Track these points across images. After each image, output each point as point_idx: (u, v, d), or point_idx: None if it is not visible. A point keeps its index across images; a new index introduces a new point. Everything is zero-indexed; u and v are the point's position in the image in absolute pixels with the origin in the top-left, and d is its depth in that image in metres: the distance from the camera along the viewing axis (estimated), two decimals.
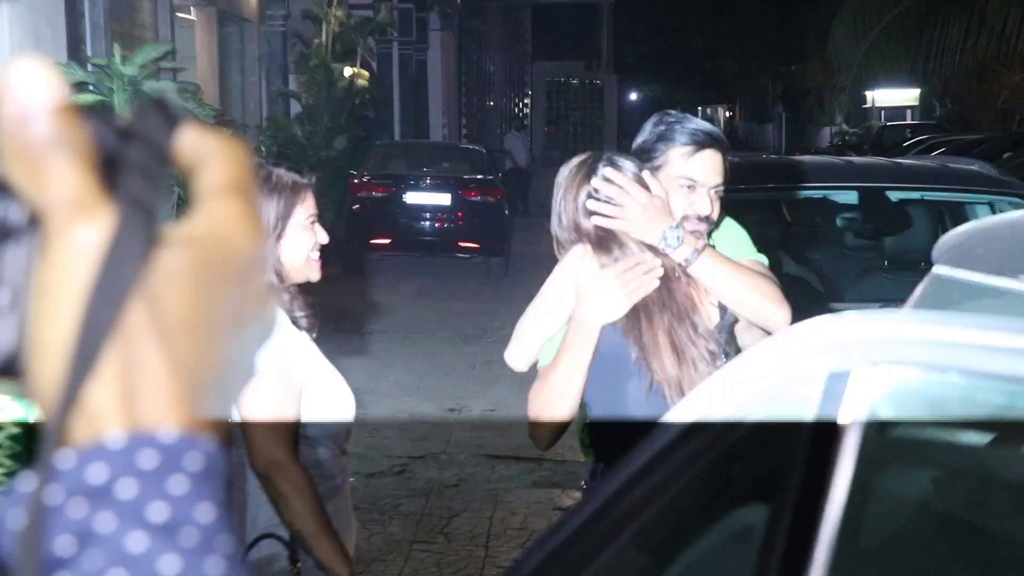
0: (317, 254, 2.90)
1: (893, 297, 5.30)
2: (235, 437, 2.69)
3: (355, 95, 18.64)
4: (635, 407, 2.74)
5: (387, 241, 14.55)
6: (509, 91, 31.36)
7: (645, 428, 2.70)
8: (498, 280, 14.42)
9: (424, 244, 14.85)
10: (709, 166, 2.88)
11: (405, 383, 9.13)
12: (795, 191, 6.06)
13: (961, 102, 21.50)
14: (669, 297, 2.76)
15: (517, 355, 2.92)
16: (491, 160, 16.71)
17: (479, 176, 15.31)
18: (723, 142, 2.95)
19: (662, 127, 2.94)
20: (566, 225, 2.88)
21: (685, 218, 2.84)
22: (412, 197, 14.80)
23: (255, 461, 2.67)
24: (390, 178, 14.90)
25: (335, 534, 2.68)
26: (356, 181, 14.96)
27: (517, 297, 14.68)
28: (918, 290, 2.73)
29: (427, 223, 14.73)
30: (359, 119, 18.06)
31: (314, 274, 2.89)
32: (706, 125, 2.97)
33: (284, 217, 2.82)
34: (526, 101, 31.42)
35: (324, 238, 2.90)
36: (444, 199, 14.73)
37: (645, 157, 2.93)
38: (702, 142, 2.88)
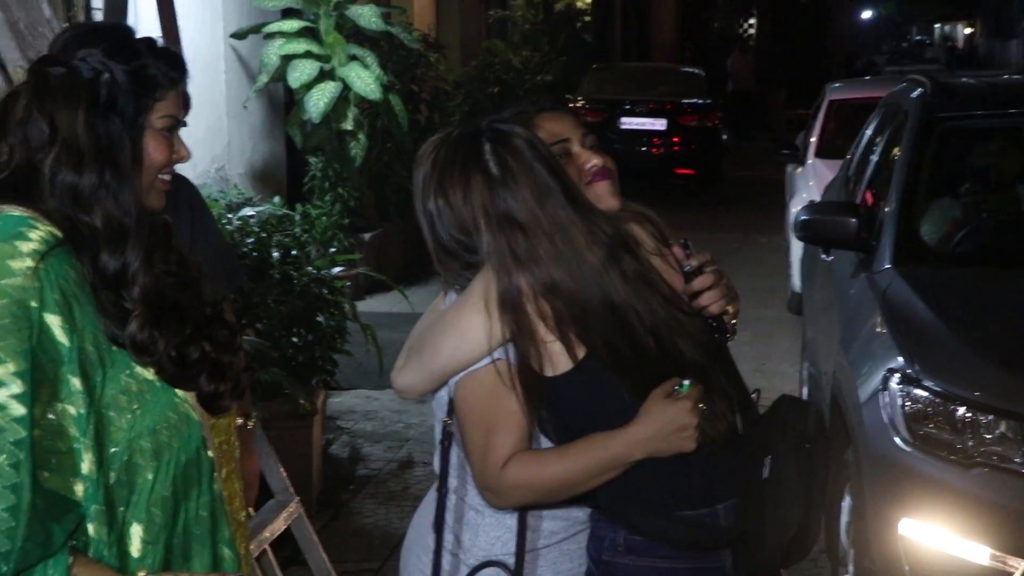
0: None
1: None
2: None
3: (574, 18, 18.09)
4: None
5: None
6: (733, 11, 30.09)
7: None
8: (713, 207, 13.74)
9: (639, 170, 14.29)
10: None
11: None
12: None
13: None
14: None
15: (418, 385, 2.21)
16: (710, 83, 15.93)
17: (697, 100, 14.60)
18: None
19: None
20: (453, 232, 2.13)
21: None
22: (627, 122, 14.24)
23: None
24: (605, 103, 14.37)
25: None
26: (571, 106, 14.48)
27: (733, 225, 13.99)
28: None
29: (642, 148, 14.15)
30: (578, 43, 17.52)
31: None
32: None
33: None
34: (751, 21, 30.10)
35: None
36: (659, 124, 14.13)
37: None
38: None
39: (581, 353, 2.06)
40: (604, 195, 2.23)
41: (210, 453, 1.88)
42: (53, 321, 1.71)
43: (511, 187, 2.09)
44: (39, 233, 1.74)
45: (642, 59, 22.66)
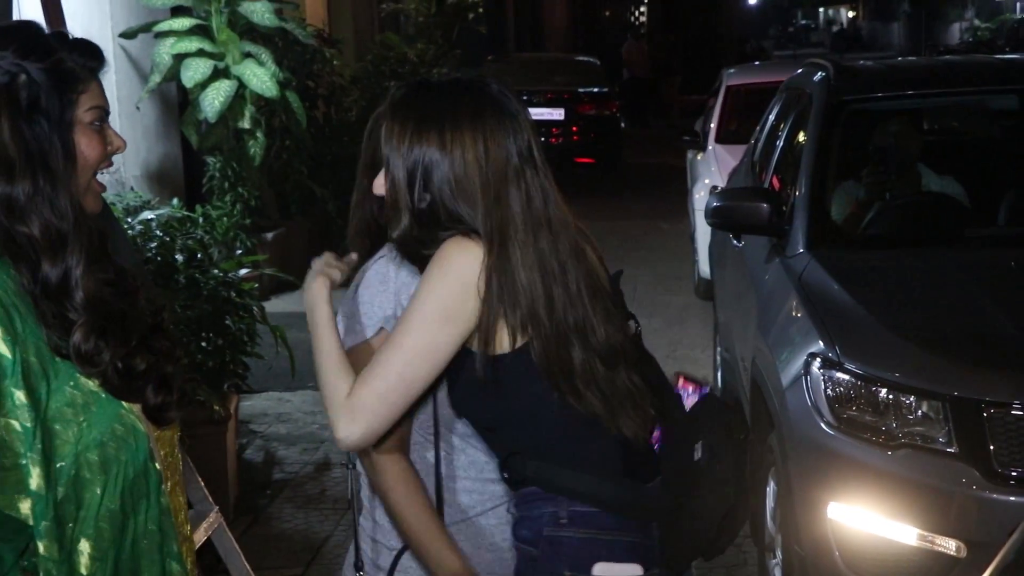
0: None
1: None
2: None
3: (467, 9, 18.03)
4: None
5: None
6: None
7: None
8: (616, 196, 13.79)
9: None
10: None
11: None
12: (939, 97, 5.30)
13: None
14: None
15: (382, 427, 2.01)
16: (606, 72, 15.98)
17: (594, 89, 14.64)
18: None
19: None
20: (442, 188, 1.99)
21: None
22: None
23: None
24: None
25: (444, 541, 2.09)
26: None
27: (635, 212, 13.98)
28: None
29: (541, 139, 14.15)
30: (472, 35, 17.46)
31: None
32: None
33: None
34: (642, 9, 30.33)
35: None
36: (557, 114, 14.15)
37: None
38: None
39: (520, 341, 1.98)
40: None
41: (157, 465, 1.82)
42: None
43: (523, 133, 1.99)
44: None
45: (536, 49, 22.69)
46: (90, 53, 1.82)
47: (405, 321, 1.98)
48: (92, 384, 1.75)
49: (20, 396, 1.66)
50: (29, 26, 1.82)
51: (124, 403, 1.78)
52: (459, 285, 1.96)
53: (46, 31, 1.82)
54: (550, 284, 1.97)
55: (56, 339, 1.71)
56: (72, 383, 1.73)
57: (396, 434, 2.04)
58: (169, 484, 1.86)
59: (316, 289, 2.08)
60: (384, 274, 2.12)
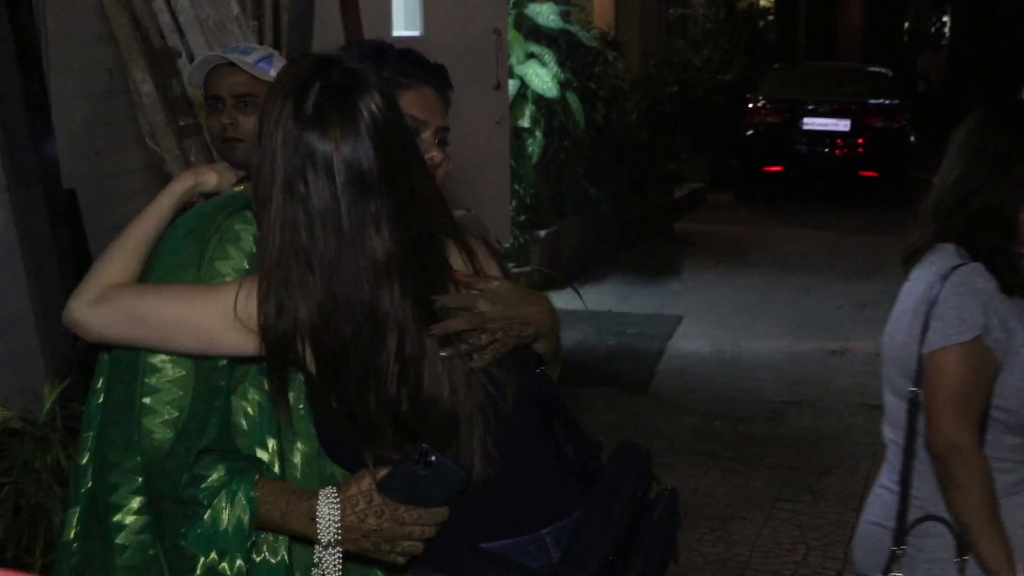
0: None
1: None
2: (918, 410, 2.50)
3: (757, 16, 17.87)
4: None
5: (781, 168, 13.85)
6: (924, 8, 29.20)
7: None
8: (901, 211, 13.36)
9: (820, 172, 14.00)
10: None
11: (786, 320, 8.52)
12: None
13: None
14: None
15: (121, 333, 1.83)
16: (898, 83, 15.49)
17: (883, 101, 14.23)
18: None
19: None
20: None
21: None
22: (809, 123, 13.98)
23: (932, 440, 2.44)
24: (786, 103, 14.12)
25: (1003, 535, 2.38)
26: (751, 106, 14.30)
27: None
28: None
29: (824, 150, 13.87)
30: (760, 42, 17.29)
31: None
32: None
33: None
34: (944, 19, 29.15)
35: None
36: (843, 125, 13.82)
37: None
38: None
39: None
40: None
41: None
42: None
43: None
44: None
45: (828, 58, 22.20)
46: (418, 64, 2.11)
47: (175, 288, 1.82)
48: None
49: (260, 378, 1.85)
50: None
51: None
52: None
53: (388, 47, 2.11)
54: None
55: None
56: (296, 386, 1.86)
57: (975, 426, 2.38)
58: None
59: (178, 182, 2.00)
60: (971, 282, 2.43)
